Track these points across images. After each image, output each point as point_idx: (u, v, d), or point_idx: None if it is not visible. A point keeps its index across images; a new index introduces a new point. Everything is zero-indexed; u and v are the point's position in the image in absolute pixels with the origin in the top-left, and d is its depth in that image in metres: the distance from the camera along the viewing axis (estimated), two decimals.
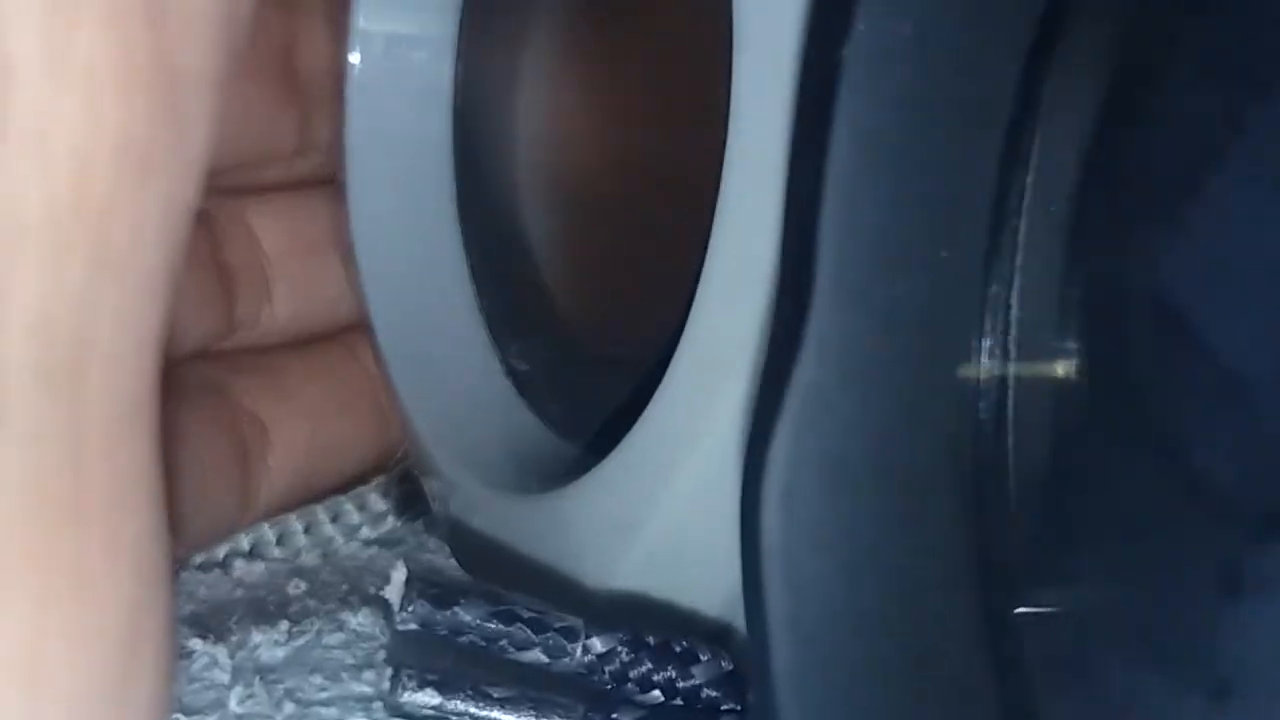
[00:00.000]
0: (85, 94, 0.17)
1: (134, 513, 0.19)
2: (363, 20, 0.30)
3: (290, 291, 0.32)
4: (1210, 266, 0.19)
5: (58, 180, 0.17)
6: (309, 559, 0.31)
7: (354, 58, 0.31)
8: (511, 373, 0.31)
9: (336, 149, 0.31)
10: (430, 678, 0.23)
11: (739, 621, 0.21)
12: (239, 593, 0.30)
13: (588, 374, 0.29)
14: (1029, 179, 0.21)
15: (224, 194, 0.31)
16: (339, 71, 0.31)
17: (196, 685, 0.26)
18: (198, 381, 0.29)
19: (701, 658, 0.24)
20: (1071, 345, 0.21)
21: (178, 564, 0.29)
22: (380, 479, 0.33)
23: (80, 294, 0.18)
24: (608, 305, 0.30)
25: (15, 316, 0.17)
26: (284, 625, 0.28)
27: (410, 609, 0.23)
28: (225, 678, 0.26)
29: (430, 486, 0.31)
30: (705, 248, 0.23)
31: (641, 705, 0.24)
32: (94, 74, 0.17)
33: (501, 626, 0.23)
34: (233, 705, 0.26)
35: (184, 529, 0.28)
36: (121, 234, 0.18)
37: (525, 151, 0.31)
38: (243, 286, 0.31)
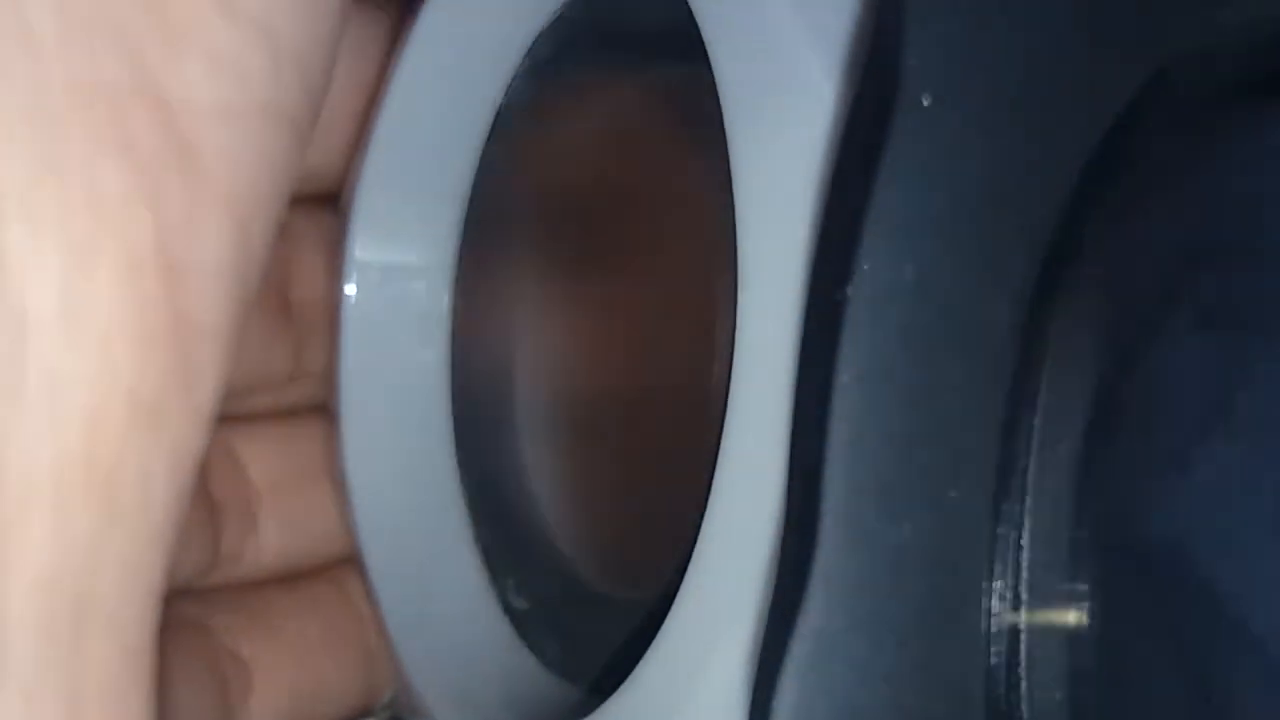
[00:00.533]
0: (100, 350, 0.17)
1: None
2: (359, 250, 0.30)
3: (278, 525, 0.31)
4: (1218, 513, 0.19)
5: (69, 436, 0.17)
6: None
7: (350, 288, 0.30)
8: (509, 610, 0.30)
9: (330, 378, 0.31)
10: None
11: None
12: None
13: (588, 613, 0.29)
14: (1036, 420, 0.21)
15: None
16: (333, 300, 0.31)
17: None
18: (177, 619, 0.28)
19: None
20: (1084, 589, 0.21)
21: None
22: None
23: (86, 548, 0.17)
24: (608, 542, 0.29)
25: (20, 570, 0.17)
26: None
27: None
28: None
29: None
30: (709, 484, 0.23)
31: None
32: (109, 330, 0.17)
33: None
34: None
35: None
36: (130, 487, 0.17)
37: (523, 382, 0.31)
38: (228, 519, 0.30)
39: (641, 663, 0.24)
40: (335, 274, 0.30)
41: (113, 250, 0.17)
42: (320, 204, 0.31)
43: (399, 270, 0.31)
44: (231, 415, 0.31)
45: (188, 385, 0.18)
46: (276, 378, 0.31)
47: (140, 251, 0.17)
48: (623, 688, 0.24)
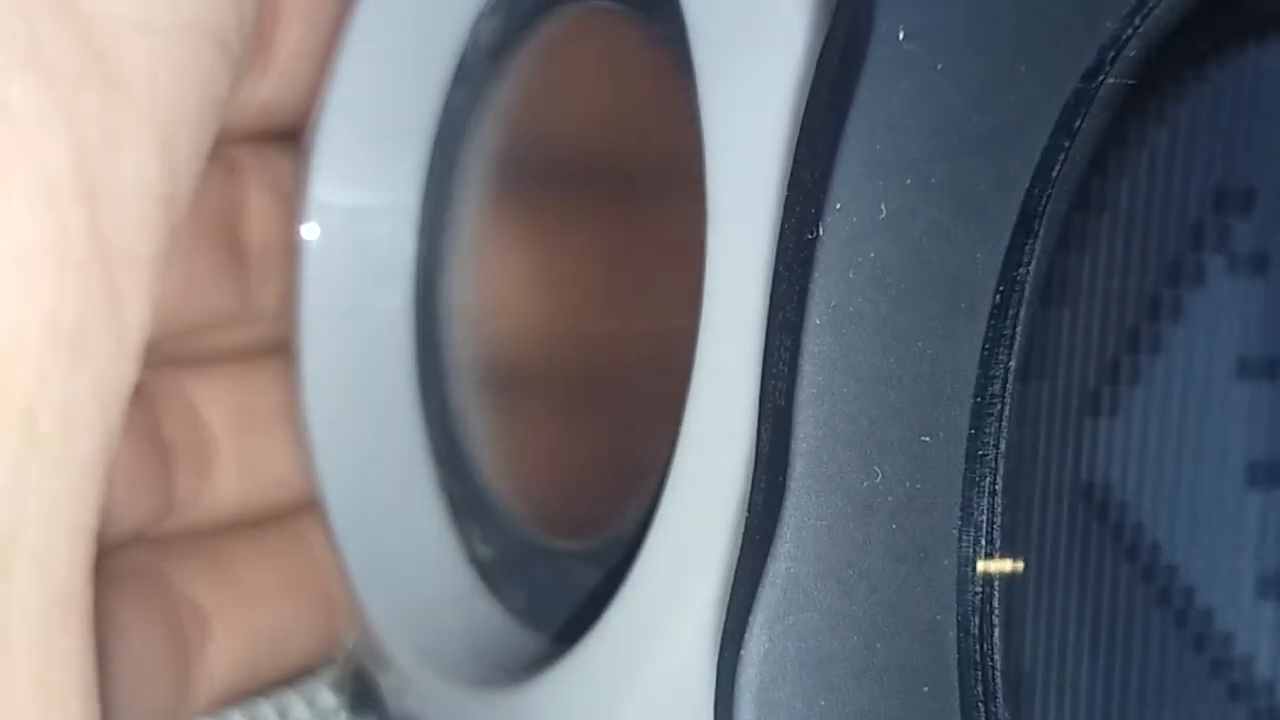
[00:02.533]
0: (14, 275, 0.16)
1: (66, 713, 0.17)
2: (320, 192, 0.30)
3: (233, 469, 0.30)
4: (1210, 459, 0.19)
5: None
6: None
7: (311, 230, 0.30)
8: (473, 559, 0.30)
9: (290, 322, 0.30)
10: None
11: None
12: None
13: (555, 561, 0.29)
14: (1012, 363, 0.21)
15: (162, 364, 0.29)
16: (288, 241, 0.30)
17: None
18: (132, 567, 0.28)
19: None
20: (1058, 536, 0.21)
21: None
22: (331, 671, 0.31)
23: (6, 485, 0.17)
24: (576, 491, 0.29)
25: None
26: None
27: None
28: None
29: (385, 680, 0.30)
30: (677, 433, 0.22)
31: None
32: (23, 254, 0.16)
33: None
34: None
35: None
36: (50, 417, 0.17)
37: (490, 330, 0.31)
38: (182, 464, 0.30)
39: (609, 610, 0.24)
40: (294, 215, 0.30)
41: (26, 171, 0.17)
42: (272, 142, 0.30)
43: (361, 213, 0.30)
44: (183, 357, 0.30)
45: (111, 313, 0.17)
46: (226, 318, 0.30)
47: (56, 172, 0.17)
48: (590, 636, 0.24)
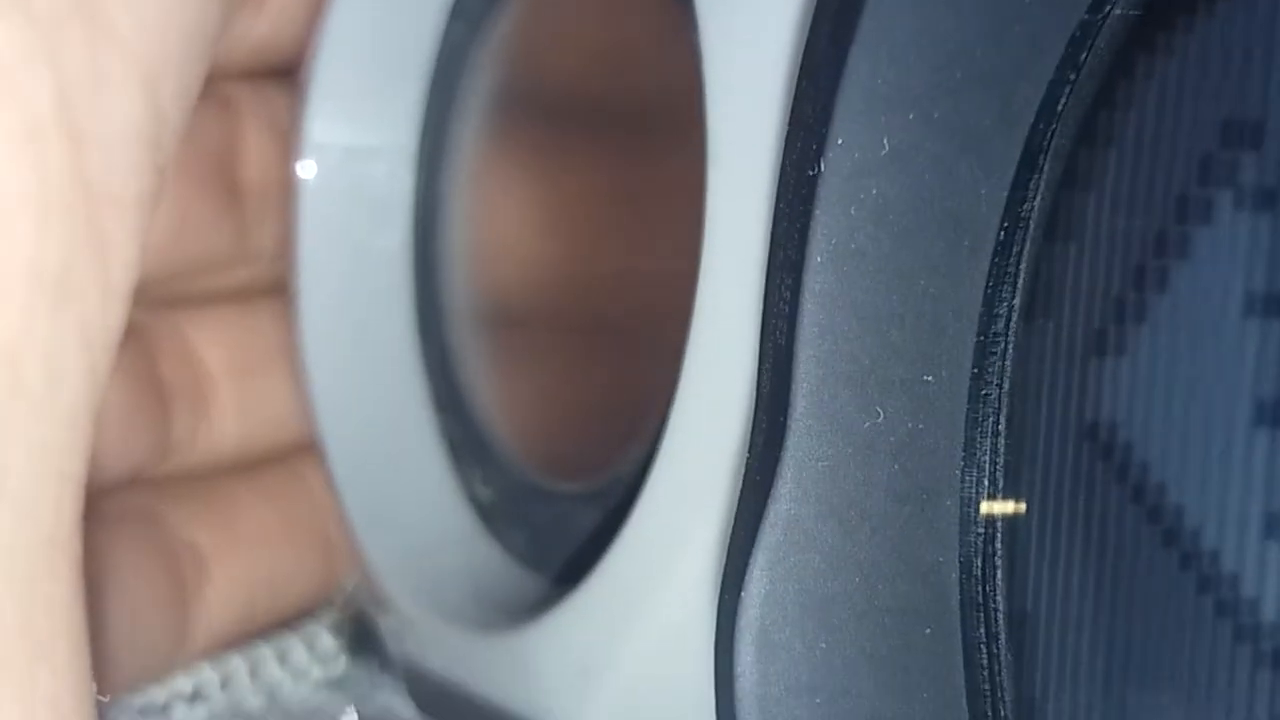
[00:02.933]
0: None
1: (53, 663, 0.17)
2: (317, 131, 0.30)
3: (231, 410, 0.30)
4: (1211, 399, 0.19)
5: None
6: (255, 702, 0.30)
7: (308, 169, 0.30)
8: (474, 501, 0.30)
9: (287, 262, 0.30)
10: None
11: None
12: None
13: (555, 504, 0.29)
14: (1016, 301, 0.21)
15: (158, 305, 0.29)
16: (285, 180, 0.30)
17: None
18: (129, 509, 0.28)
19: None
20: (1061, 477, 0.21)
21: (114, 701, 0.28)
22: (330, 613, 0.31)
23: None
24: (576, 433, 0.29)
25: None
26: None
27: None
28: None
29: (385, 623, 0.30)
30: (677, 374, 0.22)
31: None
32: (6, 198, 0.16)
33: None
34: None
35: (116, 668, 0.26)
36: (35, 364, 0.17)
37: (488, 270, 0.31)
38: (179, 405, 0.29)
39: (609, 552, 0.24)
40: (290, 154, 0.30)
41: (8, 113, 0.16)
42: (269, 79, 0.30)
43: (358, 152, 0.30)
44: (179, 298, 0.30)
45: (97, 257, 0.17)
46: (223, 259, 0.30)
47: (39, 113, 0.16)
48: (590, 577, 0.24)
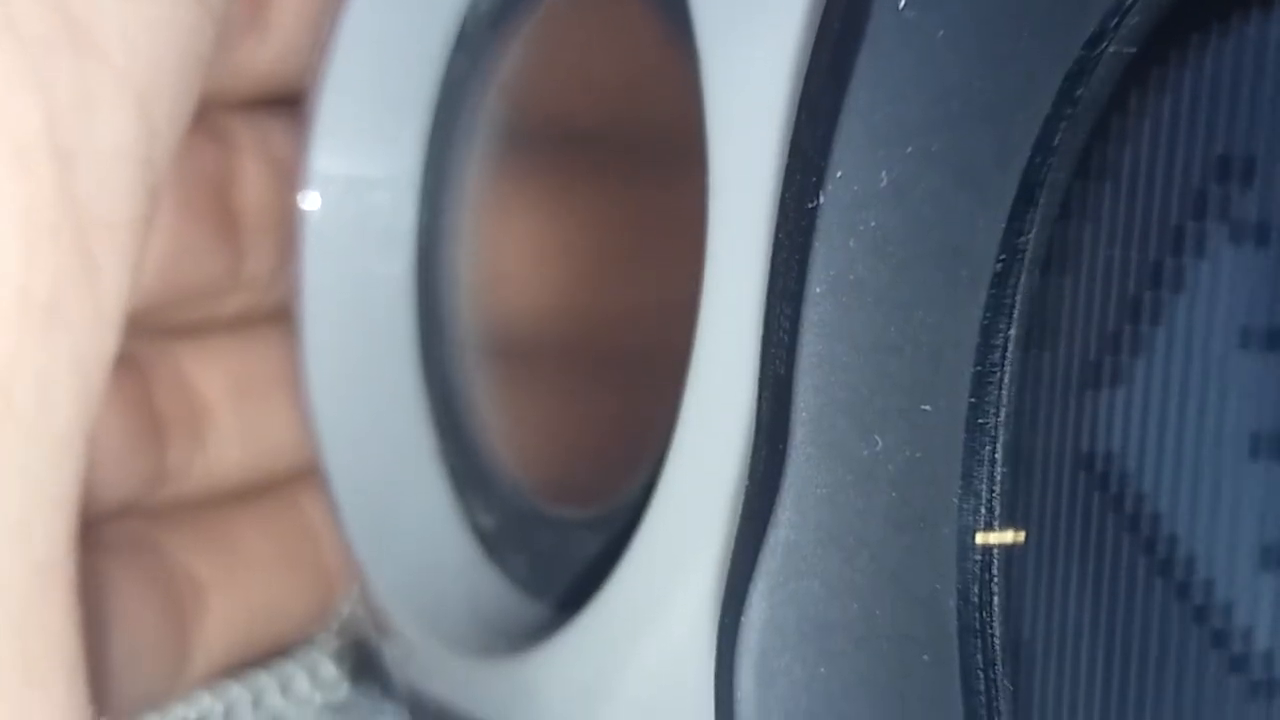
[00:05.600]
0: None
1: (48, 690, 0.17)
2: (321, 162, 0.30)
3: (228, 438, 0.30)
4: (1209, 430, 0.19)
5: None
6: None
7: (312, 200, 0.30)
8: (476, 528, 0.30)
9: (291, 291, 0.30)
10: None
11: None
12: None
13: (557, 531, 0.29)
14: (1013, 332, 0.21)
15: (154, 334, 0.29)
16: (281, 208, 0.30)
17: None
18: (126, 537, 0.28)
19: None
20: (1058, 506, 0.21)
21: None
22: (331, 641, 0.31)
23: None
24: (577, 460, 0.29)
25: None
26: None
27: None
28: None
29: (387, 650, 0.30)
30: (678, 402, 0.22)
31: None
32: None
33: None
34: None
35: (114, 696, 0.26)
36: (26, 392, 0.16)
37: (491, 299, 0.31)
38: (175, 433, 0.29)
39: (611, 579, 0.24)
40: (287, 182, 0.30)
41: None
42: (265, 109, 0.30)
43: (362, 183, 0.30)
44: (175, 326, 0.30)
45: (87, 280, 0.17)
46: (219, 287, 0.30)
47: (27, 136, 0.16)
48: (592, 604, 0.24)
